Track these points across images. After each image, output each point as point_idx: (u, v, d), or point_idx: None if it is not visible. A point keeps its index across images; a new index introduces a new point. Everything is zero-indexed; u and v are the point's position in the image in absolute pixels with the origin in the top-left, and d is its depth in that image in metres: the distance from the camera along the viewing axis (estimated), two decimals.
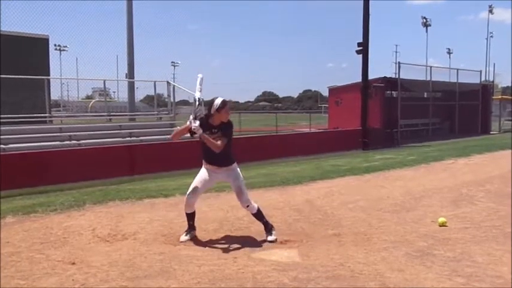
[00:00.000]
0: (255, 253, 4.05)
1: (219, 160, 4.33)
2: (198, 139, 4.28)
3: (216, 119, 4.27)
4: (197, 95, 4.42)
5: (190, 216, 4.51)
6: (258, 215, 4.50)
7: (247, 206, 4.44)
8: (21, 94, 11.14)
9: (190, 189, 4.42)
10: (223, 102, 4.25)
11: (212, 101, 4.26)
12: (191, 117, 4.19)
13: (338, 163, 10.72)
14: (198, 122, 4.14)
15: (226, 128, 4.29)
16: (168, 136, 12.38)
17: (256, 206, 4.48)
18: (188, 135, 4.32)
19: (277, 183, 7.64)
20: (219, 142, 4.20)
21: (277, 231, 4.56)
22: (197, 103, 4.36)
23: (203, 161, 4.47)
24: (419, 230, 4.78)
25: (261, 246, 4.26)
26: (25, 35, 12.73)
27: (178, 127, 4.42)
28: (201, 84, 4.45)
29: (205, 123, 4.23)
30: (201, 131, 4.14)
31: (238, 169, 4.45)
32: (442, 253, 3.97)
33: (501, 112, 26.53)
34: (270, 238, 4.42)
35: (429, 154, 12.45)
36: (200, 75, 4.48)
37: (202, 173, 4.45)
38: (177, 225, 4.96)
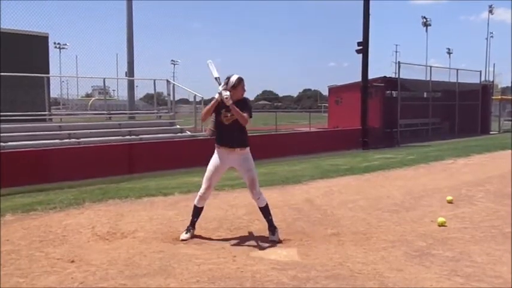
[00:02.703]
0: (254, 252, 4.05)
1: (234, 139, 4.30)
2: (215, 118, 4.30)
3: (232, 96, 4.24)
4: (215, 74, 4.41)
5: (198, 212, 4.48)
6: (265, 210, 4.45)
7: (258, 198, 4.40)
8: (21, 92, 11.13)
9: (204, 180, 4.38)
10: (239, 79, 4.27)
11: (227, 79, 4.27)
12: (220, 88, 4.21)
13: (338, 162, 10.72)
14: (228, 92, 4.16)
15: (244, 104, 4.30)
16: (168, 135, 12.45)
17: (266, 200, 4.46)
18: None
19: (277, 182, 7.64)
20: (245, 114, 4.23)
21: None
22: (219, 81, 4.34)
23: (216, 145, 4.40)
24: (419, 229, 4.78)
25: (261, 245, 4.25)
26: (25, 33, 12.70)
27: (207, 106, 4.42)
28: (212, 68, 4.44)
29: (222, 101, 4.22)
30: (230, 101, 4.15)
31: (251, 156, 4.42)
32: (441, 253, 3.97)
33: (501, 112, 26.55)
34: (272, 237, 4.38)
35: (429, 154, 12.45)
36: (209, 61, 4.49)
37: (214, 161, 4.39)
38: (176, 223, 4.96)
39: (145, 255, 3.91)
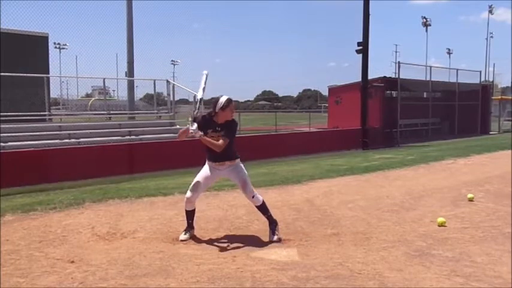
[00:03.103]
0: (254, 252, 4.05)
1: (222, 155, 4.30)
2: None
3: (220, 117, 4.26)
4: (199, 94, 4.42)
5: (190, 214, 4.50)
6: (263, 208, 4.46)
7: (253, 197, 4.41)
8: (21, 92, 11.13)
9: (192, 185, 4.42)
10: (228, 101, 4.25)
11: (217, 99, 4.26)
12: (189, 119, 4.17)
13: (337, 162, 10.72)
14: (195, 125, 4.12)
15: (229, 127, 4.29)
16: (167, 135, 12.44)
17: (261, 198, 4.47)
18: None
19: (277, 183, 7.64)
20: (220, 141, 4.19)
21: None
22: (198, 104, 4.37)
23: (206, 159, 4.46)
24: (419, 229, 4.78)
25: (260, 245, 4.25)
26: (25, 33, 12.70)
27: (183, 127, 4.46)
28: (205, 83, 4.43)
29: (209, 122, 4.23)
30: (199, 133, 4.11)
31: (241, 164, 4.44)
32: (441, 253, 3.97)
33: (500, 112, 26.53)
34: (274, 238, 4.37)
35: (428, 154, 12.45)
36: (205, 72, 4.47)
37: (205, 170, 4.44)
38: (176, 223, 4.96)
39: (145, 255, 3.91)
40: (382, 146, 15.01)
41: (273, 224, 4.46)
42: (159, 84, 14.42)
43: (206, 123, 4.24)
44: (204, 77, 4.47)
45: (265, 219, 4.51)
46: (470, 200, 6.22)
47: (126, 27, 14.65)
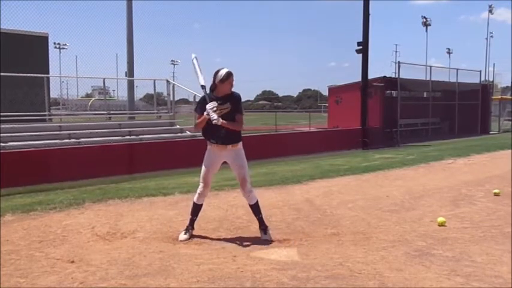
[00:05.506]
0: (254, 252, 4.05)
1: (225, 136, 4.23)
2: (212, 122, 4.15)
3: (220, 90, 4.22)
4: (201, 81, 4.32)
5: (197, 210, 4.47)
6: (256, 208, 4.44)
7: (249, 196, 4.40)
8: (21, 92, 11.14)
9: (201, 179, 4.38)
10: (228, 74, 4.19)
11: (217, 71, 4.21)
12: (208, 107, 4.11)
13: (337, 162, 10.72)
14: (215, 116, 4.09)
15: (236, 102, 4.26)
16: (167, 135, 12.45)
17: (257, 197, 4.46)
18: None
19: (277, 182, 7.64)
20: (237, 120, 4.22)
21: (276, 230, 4.60)
22: (205, 90, 4.26)
23: (208, 142, 4.35)
24: (419, 229, 4.78)
25: (260, 245, 4.25)
26: (25, 33, 12.70)
27: (198, 120, 4.30)
28: (199, 67, 4.37)
29: (211, 98, 4.18)
30: (220, 121, 4.10)
31: (243, 152, 4.39)
32: (441, 253, 3.97)
33: (500, 112, 26.52)
34: (264, 237, 4.39)
35: (429, 154, 12.45)
36: (193, 56, 4.40)
37: (207, 159, 4.36)
38: (176, 223, 4.96)
39: (145, 255, 3.91)
40: (382, 145, 15.00)
41: (263, 225, 4.46)
42: (159, 84, 14.42)
43: (209, 100, 4.17)
44: (195, 61, 4.38)
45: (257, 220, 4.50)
46: (497, 194, 6.48)
47: (126, 27, 14.63)
